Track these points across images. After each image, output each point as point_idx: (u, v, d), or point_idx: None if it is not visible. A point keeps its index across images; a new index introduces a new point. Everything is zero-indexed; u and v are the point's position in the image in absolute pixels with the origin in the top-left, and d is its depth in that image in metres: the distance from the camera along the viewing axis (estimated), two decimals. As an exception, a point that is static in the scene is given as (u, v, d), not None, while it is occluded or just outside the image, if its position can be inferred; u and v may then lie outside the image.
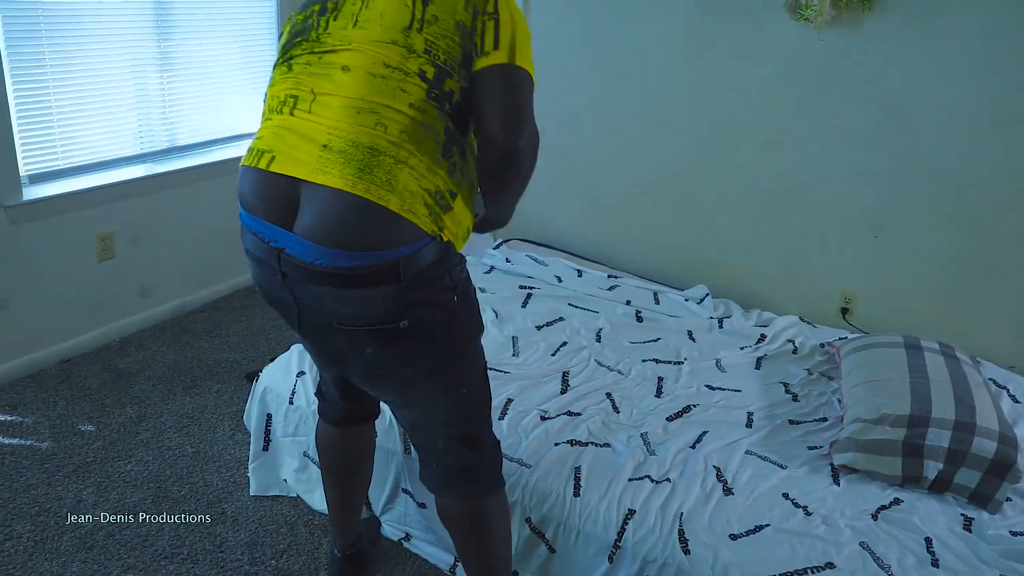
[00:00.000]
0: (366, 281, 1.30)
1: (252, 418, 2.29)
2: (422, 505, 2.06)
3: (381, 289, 1.31)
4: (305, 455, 2.21)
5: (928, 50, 2.62)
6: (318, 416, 1.84)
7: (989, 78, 2.56)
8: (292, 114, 1.34)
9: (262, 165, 1.34)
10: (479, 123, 1.37)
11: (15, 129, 2.62)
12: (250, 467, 2.29)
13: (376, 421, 1.88)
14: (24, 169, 2.70)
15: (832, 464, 1.99)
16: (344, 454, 1.84)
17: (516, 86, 1.36)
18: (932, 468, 1.89)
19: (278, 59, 1.46)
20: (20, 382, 2.75)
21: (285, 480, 2.28)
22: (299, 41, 1.41)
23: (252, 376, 2.38)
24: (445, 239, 1.36)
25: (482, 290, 2.81)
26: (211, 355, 3.04)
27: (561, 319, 2.68)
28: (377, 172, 1.26)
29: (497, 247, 3.25)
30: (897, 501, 1.87)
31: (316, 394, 1.85)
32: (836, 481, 1.93)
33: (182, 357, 3.01)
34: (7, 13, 2.53)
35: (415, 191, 1.29)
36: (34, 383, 2.75)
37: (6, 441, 2.43)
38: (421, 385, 1.49)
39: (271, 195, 1.33)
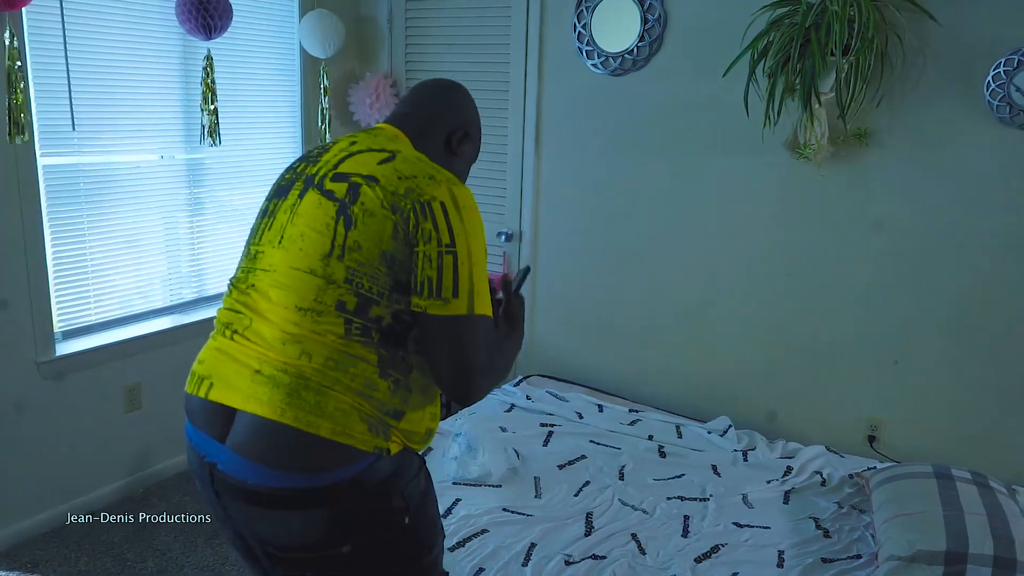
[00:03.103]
0: (299, 504, 1.24)
1: (273, 570, 2.25)
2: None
3: (316, 512, 1.24)
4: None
5: (929, 180, 2.70)
6: None
7: (991, 204, 2.62)
8: (232, 338, 1.33)
9: (201, 393, 1.33)
10: (430, 366, 1.28)
11: (52, 289, 2.73)
12: (271, 623, 2.24)
13: None
14: (58, 325, 2.80)
15: (870, 605, 1.92)
16: None
17: (473, 338, 1.26)
18: (974, 608, 1.82)
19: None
20: (44, 536, 2.74)
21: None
22: (248, 248, 1.40)
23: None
24: (395, 451, 1.29)
25: (503, 429, 2.81)
26: (233, 503, 3.01)
27: (583, 457, 2.66)
28: (305, 395, 1.22)
29: (517, 384, 3.27)
30: (941, 645, 1.79)
31: None
32: (876, 624, 1.86)
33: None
34: (51, 180, 2.70)
35: (347, 409, 1.23)
36: (57, 538, 2.74)
37: (26, 601, 2.41)
38: None
39: (210, 418, 1.31)
